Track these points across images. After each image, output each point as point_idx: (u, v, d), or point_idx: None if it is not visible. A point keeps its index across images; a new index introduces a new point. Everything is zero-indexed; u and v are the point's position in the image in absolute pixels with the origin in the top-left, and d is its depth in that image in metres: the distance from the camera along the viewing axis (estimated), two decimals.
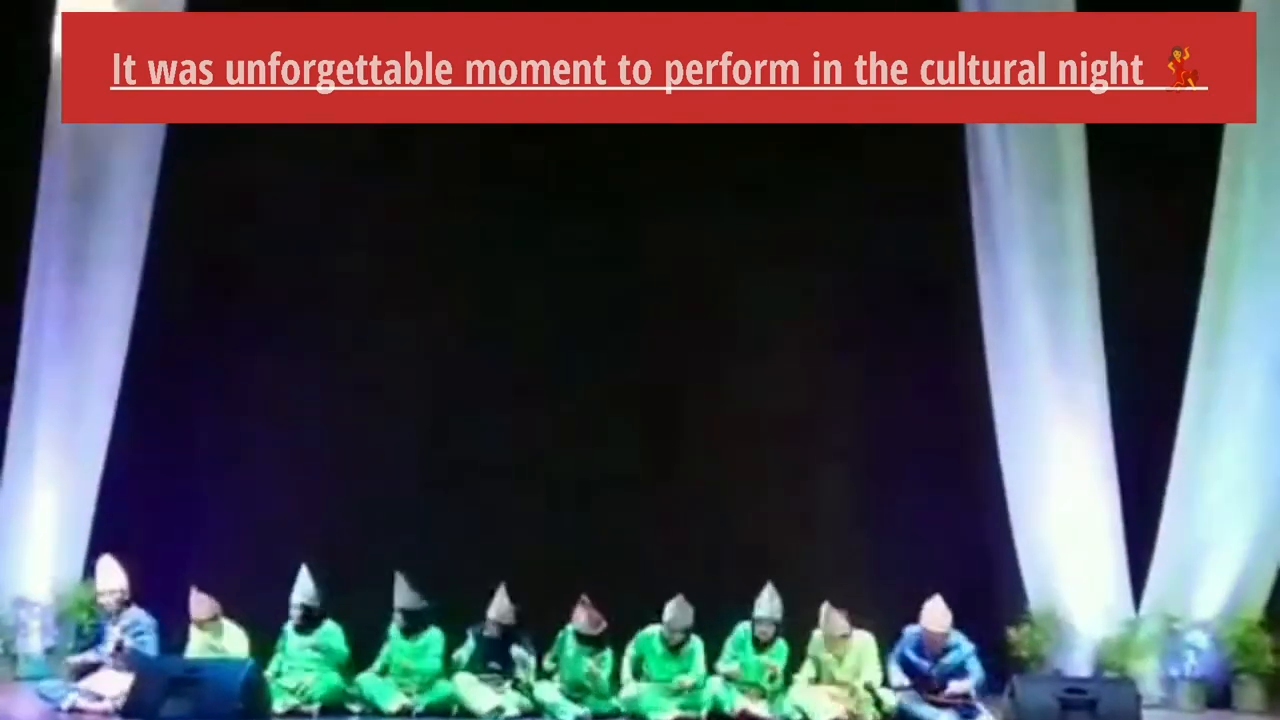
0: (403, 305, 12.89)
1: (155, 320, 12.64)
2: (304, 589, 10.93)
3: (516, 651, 10.79)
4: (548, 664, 10.96)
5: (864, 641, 10.90)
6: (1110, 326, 12.23)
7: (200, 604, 10.82)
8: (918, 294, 12.60)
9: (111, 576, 10.94)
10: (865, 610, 10.97)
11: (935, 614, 10.68)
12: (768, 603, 10.88)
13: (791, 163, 12.57)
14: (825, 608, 10.82)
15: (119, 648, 10.66)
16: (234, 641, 10.86)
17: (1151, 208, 12.17)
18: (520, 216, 12.81)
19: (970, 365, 12.42)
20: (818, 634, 10.92)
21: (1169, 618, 11.91)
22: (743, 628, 10.95)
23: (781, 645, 10.93)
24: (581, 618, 10.79)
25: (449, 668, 10.92)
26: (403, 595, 10.93)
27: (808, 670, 10.90)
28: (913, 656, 10.71)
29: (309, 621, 10.90)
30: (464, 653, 10.89)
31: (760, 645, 10.90)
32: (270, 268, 12.94)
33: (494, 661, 10.83)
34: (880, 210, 12.55)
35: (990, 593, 12.10)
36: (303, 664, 10.82)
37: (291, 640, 10.93)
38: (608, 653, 10.87)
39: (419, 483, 12.63)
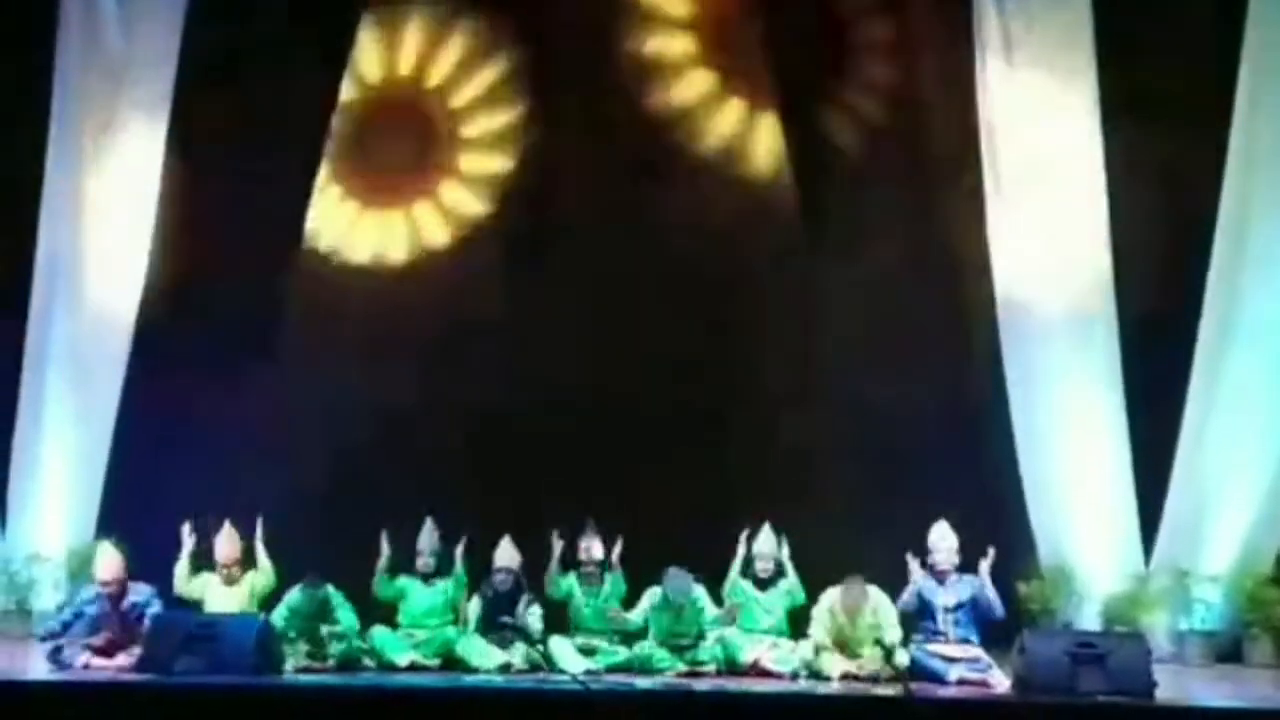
0: (422, 249, 13.14)
1: (166, 278, 12.74)
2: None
3: (526, 608, 10.87)
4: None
5: (879, 598, 10.92)
6: (1122, 282, 12.24)
7: (230, 543, 10.83)
8: (929, 251, 12.59)
9: (110, 567, 10.58)
10: (874, 565, 10.93)
11: (941, 539, 10.69)
12: (766, 539, 10.95)
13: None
14: (848, 582, 10.81)
15: (139, 619, 10.57)
16: (253, 588, 10.89)
17: (1164, 159, 12.18)
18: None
19: (982, 322, 12.45)
20: (832, 591, 10.92)
21: (1179, 572, 11.95)
22: (737, 576, 10.95)
23: (783, 584, 10.94)
24: (588, 545, 10.93)
25: (457, 618, 11.03)
26: (432, 539, 11.06)
27: (822, 621, 10.86)
28: (923, 589, 10.62)
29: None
30: (472, 611, 10.96)
31: (761, 584, 10.92)
32: (277, 223, 12.93)
33: (504, 615, 10.79)
34: (899, 172, 12.56)
35: (1001, 547, 11.94)
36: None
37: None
38: (610, 585, 10.94)
39: (431, 445, 12.77)
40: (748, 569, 10.99)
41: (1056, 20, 12.45)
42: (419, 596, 11.07)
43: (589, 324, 12.93)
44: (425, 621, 11.02)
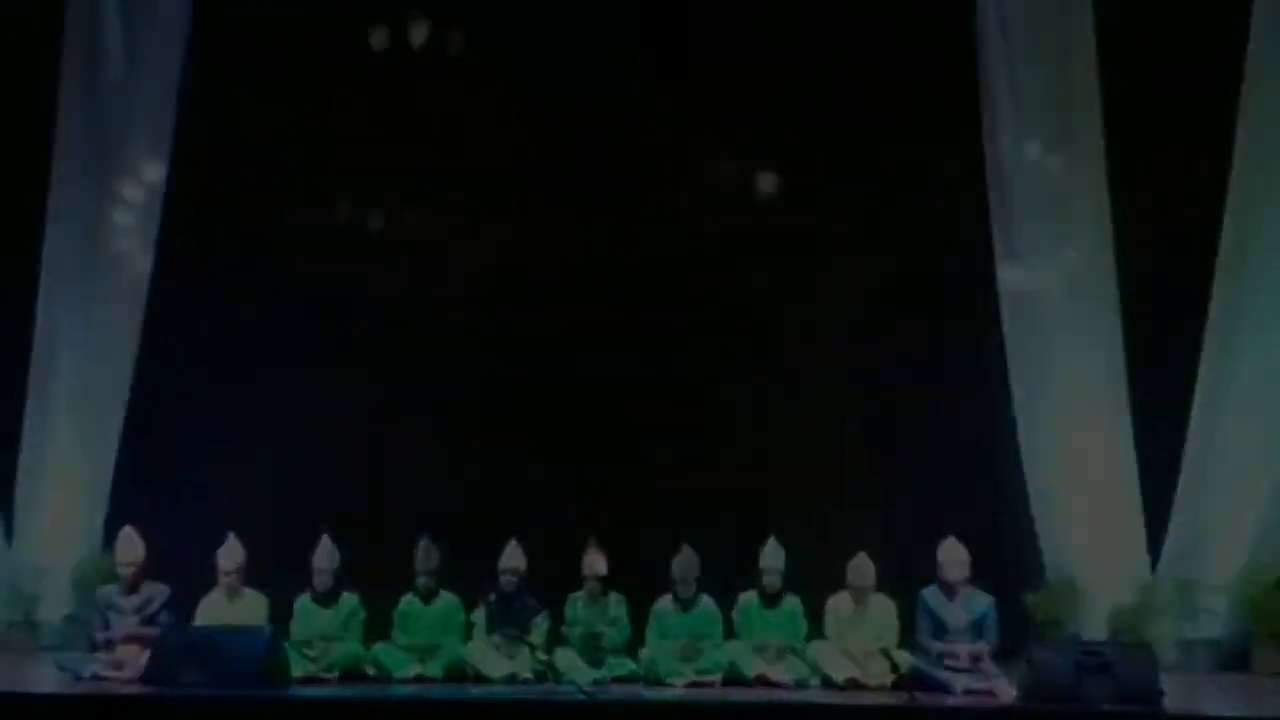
0: (423, 252, 13.02)
1: (171, 288, 12.77)
2: (330, 556, 10.95)
3: (532, 618, 10.86)
4: (562, 630, 11.01)
5: (884, 605, 10.91)
6: (1127, 288, 12.24)
7: (233, 553, 10.77)
8: (935, 261, 12.60)
9: (131, 548, 10.79)
10: (880, 576, 10.94)
11: (951, 552, 10.65)
12: (772, 553, 10.92)
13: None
14: (861, 556, 10.87)
15: (150, 619, 10.66)
16: (252, 609, 10.81)
17: (1168, 159, 12.18)
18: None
19: (986, 330, 12.46)
20: (834, 600, 10.94)
21: (1186, 581, 11.93)
22: (745, 597, 10.95)
23: (793, 602, 10.94)
24: (591, 560, 10.87)
25: (466, 630, 11.00)
26: (430, 558, 11.00)
27: (828, 626, 10.89)
28: (934, 607, 10.60)
29: (334, 589, 10.93)
30: (480, 617, 10.94)
31: (768, 599, 10.90)
32: (289, 218, 12.98)
33: (509, 619, 10.83)
34: (902, 181, 12.59)
35: (1007, 558, 12.07)
36: (322, 632, 10.86)
37: (310, 610, 10.94)
38: (614, 602, 10.91)
39: (436, 448, 12.70)
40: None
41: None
42: (419, 615, 11.03)
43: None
44: (427, 638, 10.98)
